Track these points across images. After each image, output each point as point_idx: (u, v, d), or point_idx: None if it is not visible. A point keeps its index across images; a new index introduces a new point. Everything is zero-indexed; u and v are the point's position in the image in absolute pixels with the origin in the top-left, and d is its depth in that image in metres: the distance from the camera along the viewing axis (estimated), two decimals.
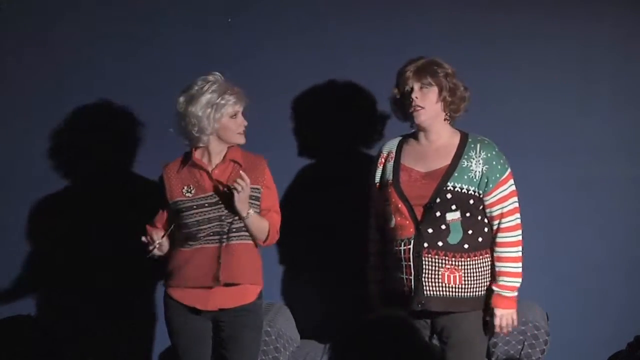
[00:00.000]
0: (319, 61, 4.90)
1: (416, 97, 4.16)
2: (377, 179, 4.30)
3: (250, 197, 4.24)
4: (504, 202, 4.20)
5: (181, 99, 4.23)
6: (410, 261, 4.16)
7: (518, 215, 4.23)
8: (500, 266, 4.20)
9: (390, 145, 4.33)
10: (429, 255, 4.15)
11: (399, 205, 4.18)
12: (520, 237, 4.22)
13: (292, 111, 4.96)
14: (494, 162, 4.19)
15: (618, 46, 4.84)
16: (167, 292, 4.35)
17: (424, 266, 4.15)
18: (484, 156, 4.18)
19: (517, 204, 4.23)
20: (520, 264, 4.22)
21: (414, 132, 4.29)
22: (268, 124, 4.83)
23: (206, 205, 4.25)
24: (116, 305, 4.99)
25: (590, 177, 4.86)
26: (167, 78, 4.83)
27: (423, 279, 4.15)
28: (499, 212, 4.20)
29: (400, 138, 4.34)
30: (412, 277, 4.16)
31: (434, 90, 4.16)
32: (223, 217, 4.25)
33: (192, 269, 4.27)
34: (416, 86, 4.16)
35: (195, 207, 4.25)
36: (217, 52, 4.89)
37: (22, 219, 5.03)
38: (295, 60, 4.92)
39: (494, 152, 4.21)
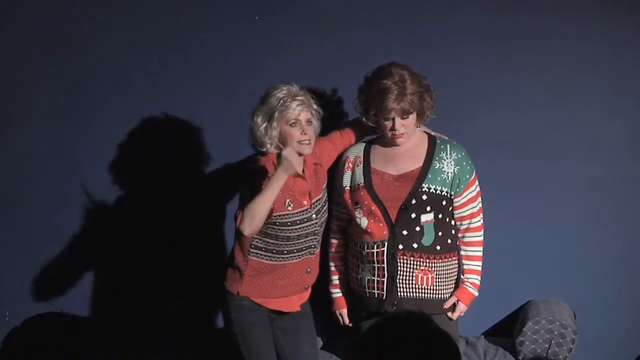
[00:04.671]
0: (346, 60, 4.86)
1: (400, 127, 4.13)
2: (347, 183, 4.29)
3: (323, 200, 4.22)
4: (474, 202, 4.26)
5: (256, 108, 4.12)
6: (383, 263, 4.19)
7: (482, 215, 4.30)
8: (469, 264, 4.29)
9: (356, 151, 4.31)
10: (404, 257, 4.18)
11: (372, 208, 4.20)
12: (482, 237, 4.30)
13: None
14: (464, 163, 4.24)
15: None
16: (239, 294, 4.19)
17: (398, 268, 4.19)
18: (455, 157, 4.22)
19: (481, 205, 4.29)
20: (481, 263, 4.31)
21: (379, 137, 4.31)
22: None
23: (305, 220, 4.15)
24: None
25: (616, 176, 4.79)
26: (196, 77, 4.86)
27: (397, 280, 4.19)
28: (469, 212, 4.26)
29: (365, 144, 4.33)
30: (386, 279, 4.20)
31: (414, 115, 4.15)
32: (317, 231, 4.21)
33: (279, 281, 4.20)
34: (397, 119, 4.12)
35: (298, 222, 4.13)
36: (244, 51, 4.90)
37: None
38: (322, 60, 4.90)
39: (463, 153, 4.25)
